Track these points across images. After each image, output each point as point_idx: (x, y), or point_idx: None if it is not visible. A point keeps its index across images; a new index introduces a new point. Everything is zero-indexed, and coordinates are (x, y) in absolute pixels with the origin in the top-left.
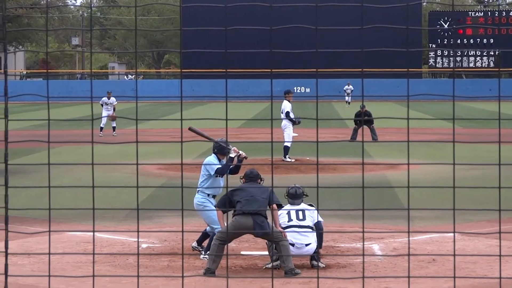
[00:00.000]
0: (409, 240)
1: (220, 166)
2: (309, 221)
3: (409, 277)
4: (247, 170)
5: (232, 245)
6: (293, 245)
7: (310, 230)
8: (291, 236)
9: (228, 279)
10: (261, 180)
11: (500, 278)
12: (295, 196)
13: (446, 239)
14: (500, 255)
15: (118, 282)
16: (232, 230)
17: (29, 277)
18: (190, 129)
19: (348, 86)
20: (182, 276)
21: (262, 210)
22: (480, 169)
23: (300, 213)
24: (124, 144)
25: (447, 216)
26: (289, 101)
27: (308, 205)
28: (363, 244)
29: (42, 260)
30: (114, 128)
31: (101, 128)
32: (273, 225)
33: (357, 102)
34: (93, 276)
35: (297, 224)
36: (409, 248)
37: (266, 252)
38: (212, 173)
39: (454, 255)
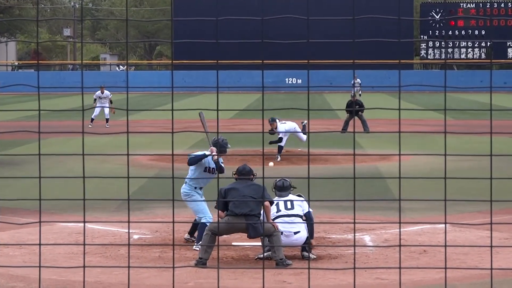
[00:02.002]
0: (400, 231)
1: (196, 156)
2: (297, 210)
3: (400, 268)
4: (240, 166)
5: (223, 236)
6: (281, 233)
7: (299, 218)
8: (280, 225)
9: (219, 270)
10: (253, 176)
11: (491, 269)
12: (282, 188)
13: (437, 230)
14: (491, 246)
15: (110, 273)
16: (225, 229)
17: (20, 268)
18: (200, 114)
19: (356, 79)
20: (173, 267)
21: (255, 211)
22: (471, 160)
23: (289, 203)
24: (115, 135)
25: (438, 207)
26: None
27: (297, 195)
28: (354, 235)
29: (33, 251)
30: (107, 120)
31: (92, 120)
32: (264, 219)
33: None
34: (84, 267)
35: (286, 213)
36: (400, 239)
37: (258, 243)
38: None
39: (446, 246)
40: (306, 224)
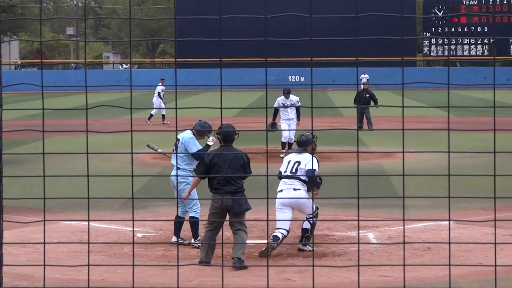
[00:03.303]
0: (404, 228)
1: (199, 150)
2: (300, 173)
3: (404, 265)
4: (224, 127)
5: (227, 233)
6: (281, 191)
7: (300, 181)
8: (282, 183)
9: (223, 268)
10: (236, 135)
11: (496, 266)
12: (298, 143)
13: (441, 227)
14: (495, 243)
15: (114, 272)
16: (213, 211)
17: (24, 267)
18: (148, 146)
19: (364, 74)
20: (178, 265)
21: (241, 189)
22: (475, 157)
23: (296, 165)
24: (119, 133)
25: (442, 204)
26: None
27: (312, 155)
28: (358, 233)
29: (37, 250)
30: (163, 116)
31: (151, 116)
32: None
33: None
34: (88, 265)
35: (289, 175)
36: (404, 236)
37: (261, 241)
38: (191, 152)
39: (450, 243)
40: (306, 187)
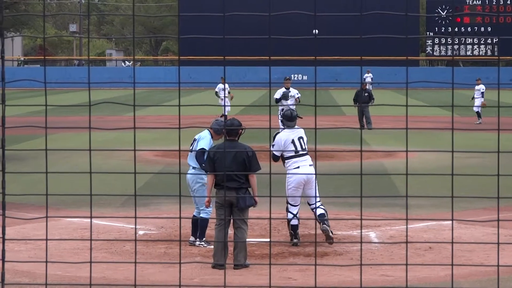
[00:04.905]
0: (407, 227)
1: (203, 160)
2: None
3: (406, 264)
4: (228, 122)
5: (229, 231)
6: (298, 167)
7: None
8: (298, 161)
9: (225, 266)
10: (242, 130)
11: (498, 266)
12: (290, 118)
13: (442, 227)
14: (498, 243)
15: (115, 269)
16: (218, 207)
17: (26, 263)
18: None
19: (368, 73)
20: (180, 263)
21: (244, 185)
22: (478, 157)
23: (303, 142)
24: (121, 130)
25: (444, 204)
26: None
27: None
28: (361, 232)
29: (39, 247)
30: (225, 116)
31: (224, 116)
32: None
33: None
34: (90, 262)
35: (301, 153)
36: (407, 235)
37: (263, 239)
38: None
39: (452, 242)
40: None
